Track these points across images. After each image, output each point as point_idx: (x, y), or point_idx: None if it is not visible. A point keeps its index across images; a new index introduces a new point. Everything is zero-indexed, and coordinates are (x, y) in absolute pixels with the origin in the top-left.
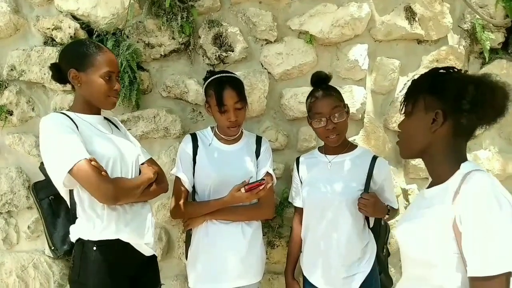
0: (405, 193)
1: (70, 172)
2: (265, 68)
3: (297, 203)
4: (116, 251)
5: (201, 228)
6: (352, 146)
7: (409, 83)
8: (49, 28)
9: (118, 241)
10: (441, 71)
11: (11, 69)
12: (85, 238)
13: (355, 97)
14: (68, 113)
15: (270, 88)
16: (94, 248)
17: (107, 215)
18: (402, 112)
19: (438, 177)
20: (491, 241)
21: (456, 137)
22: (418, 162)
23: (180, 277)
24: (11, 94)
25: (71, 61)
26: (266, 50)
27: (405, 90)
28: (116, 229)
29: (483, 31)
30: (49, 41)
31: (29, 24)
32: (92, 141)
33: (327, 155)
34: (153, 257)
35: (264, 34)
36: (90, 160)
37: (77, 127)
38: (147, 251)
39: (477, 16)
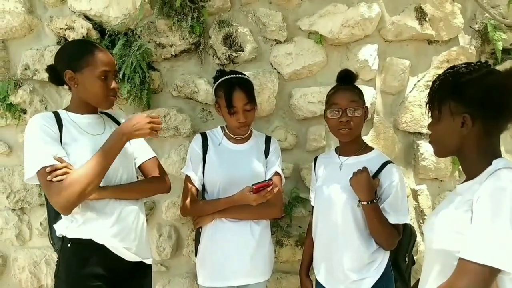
0: (415, 193)
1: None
2: (275, 68)
3: (313, 202)
4: (90, 251)
5: (210, 226)
6: (367, 149)
7: (432, 85)
8: (62, 28)
9: (91, 241)
10: (462, 70)
11: (25, 69)
12: (64, 234)
13: (364, 97)
14: (61, 111)
15: (279, 88)
16: (69, 245)
17: (83, 214)
18: (429, 116)
19: (470, 173)
20: (490, 232)
21: (487, 135)
22: (428, 163)
23: (190, 275)
24: (25, 93)
25: (66, 62)
26: (275, 50)
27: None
28: (89, 229)
29: (495, 32)
30: (62, 41)
31: (43, 24)
32: (73, 143)
33: (340, 156)
34: (141, 263)
35: (274, 34)
36: (56, 168)
37: (61, 127)
38: (128, 257)
39: (489, 16)
